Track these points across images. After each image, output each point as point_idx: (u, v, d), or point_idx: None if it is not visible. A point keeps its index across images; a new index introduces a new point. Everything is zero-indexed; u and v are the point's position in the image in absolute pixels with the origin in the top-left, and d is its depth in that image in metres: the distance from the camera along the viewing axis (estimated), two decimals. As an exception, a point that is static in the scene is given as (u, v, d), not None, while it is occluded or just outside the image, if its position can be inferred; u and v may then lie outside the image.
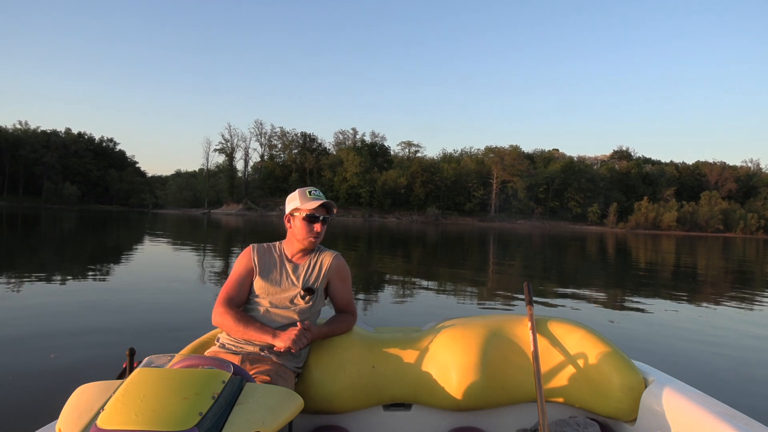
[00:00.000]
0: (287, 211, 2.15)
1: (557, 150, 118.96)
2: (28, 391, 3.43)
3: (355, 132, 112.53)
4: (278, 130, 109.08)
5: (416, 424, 2.16)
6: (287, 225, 2.14)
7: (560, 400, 2.11)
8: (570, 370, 2.07)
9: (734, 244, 46.32)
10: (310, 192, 2.10)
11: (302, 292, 2.05)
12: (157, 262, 11.80)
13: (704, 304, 8.67)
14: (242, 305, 2.08)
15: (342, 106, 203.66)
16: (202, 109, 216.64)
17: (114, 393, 1.31)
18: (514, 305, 7.66)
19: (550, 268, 14.86)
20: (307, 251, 2.15)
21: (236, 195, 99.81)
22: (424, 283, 9.99)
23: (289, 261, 2.13)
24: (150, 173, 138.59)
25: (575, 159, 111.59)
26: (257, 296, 2.07)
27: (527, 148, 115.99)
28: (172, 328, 5.37)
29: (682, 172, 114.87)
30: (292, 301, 2.05)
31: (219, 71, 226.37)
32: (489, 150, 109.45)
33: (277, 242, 2.21)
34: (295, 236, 2.11)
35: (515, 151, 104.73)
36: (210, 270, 10.66)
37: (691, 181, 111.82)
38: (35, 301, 6.46)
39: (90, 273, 9.21)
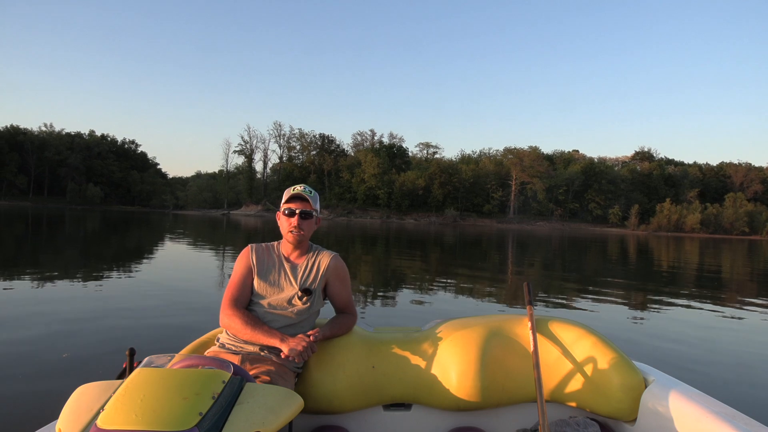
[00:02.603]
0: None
1: (577, 151, 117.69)
2: (28, 391, 3.42)
3: (374, 133, 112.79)
4: (297, 131, 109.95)
5: (416, 424, 2.16)
6: (279, 224, 2.16)
7: (560, 400, 2.10)
8: (570, 370, 2.07)
9: (760, 247, 45.25)
10: (293, 189, 2.11)
11: (300, 293, 2.05)
12: (166, 263, 11.86)
13: (709, 305, 8.59)
14: (247, 305, 2.08)
15: (360, 108, 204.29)
16: (222, 111, 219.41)
17: (114, 393, 1.30)
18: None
19: (569, 270, 14.65)
20: (302, 250, 2.16)
21: (255, 196, 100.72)
22: (439, 285, 9.90)
23: (287, 261, 2.13)
24: (171, 174, 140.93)
25: (596, 160, 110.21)
26: (256, 296, 2.06)
27: (547, 149, 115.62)
28: (172, 328, 5.36)
29: (706, 173, 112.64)
30: (290, 302, 2.04)
31: (239, 73, 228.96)
32: (508, 151, 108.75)
33: (275, 242, 2.21)
34: (282, 233, 2.13)
35: (534, 152, 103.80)
36: (216, 270, 10.70)
37: (715, 183, 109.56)
38: (36, 300, 6.51)
39: (96, 273, 9.28)
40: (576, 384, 2.05)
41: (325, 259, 2.15)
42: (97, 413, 1.32)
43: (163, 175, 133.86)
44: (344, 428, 2.09)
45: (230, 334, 2.00)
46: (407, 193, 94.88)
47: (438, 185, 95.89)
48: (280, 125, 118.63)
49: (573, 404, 2.10)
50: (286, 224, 2.09)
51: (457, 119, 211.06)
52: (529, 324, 2.06)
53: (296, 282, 2.08)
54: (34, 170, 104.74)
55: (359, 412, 2.13)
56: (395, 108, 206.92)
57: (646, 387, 1.94)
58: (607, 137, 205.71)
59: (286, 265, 2.12)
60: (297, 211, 2.07)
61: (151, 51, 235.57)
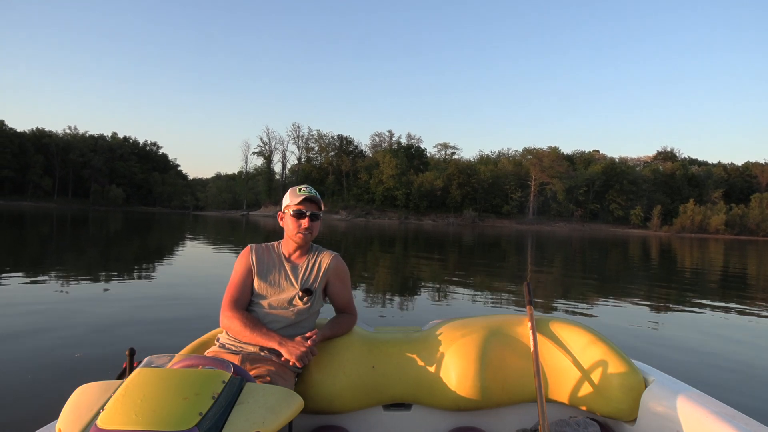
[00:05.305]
0: (281, 209, 2.17)
1: (598, 151, 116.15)
2: (28, 390, 3.42)
3: (392, 134, 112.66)
4: (315, 132, 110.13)
5: (416, 424, 2.16)
6: (281, 223, 2.16)
7: (560, 400, 2.10)
8: (570, 370, 2.07)
9: (787, 248, 44.06)
10: (300, 189, 2.10)
11: (301, 293, 2.04)
12: (176, 263, 11.87)
13: (713, 306, 8.49)
14: (247, 306, 2.07)
15: (378, 109, 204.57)
16: (242, 113, 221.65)
17: (114, 393, 1.30)
18: (554, 312, 7.39)
19: (588, 271, 14.42)
20: (303, 250, 2.15)
21: (274, 197, 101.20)
22: (452, 287, 9.79)
23: (288, 261, 2.13)
24: (191, 176, 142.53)
25: (617, 160, 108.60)
26: (256, 297, 2.05)
27: (566, 149, 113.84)
28: (172, 328, 5.35)
29: (731, 173, 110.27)
30: (290, 302, 2.04)
31: (258, 75, 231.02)
32: (527, 151, 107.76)
33: (275, 242, 2.20)
34: (288, 233, 2.12)
35: (554, 152, 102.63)
36: (225, 270, 10.62)
37: (740, 183, 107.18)
38: (38, 299, 6.51)
39: (103, 273, 9.32)
40: (576, 384, 2.05)
41: (325, 258, 2.14)
42: (97, 413, 1.31)
43: (184, 177, 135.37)
44: (344, 428, 2.09)
45: (230, 334, 1.99)
46: (425, 194, 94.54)
47: (456, 186, 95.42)
48: (298, 126, 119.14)
49: (573, 404, 2.09)
50: (294, 225, 2.07)
51: (475, 120, 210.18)
52: (529, 324, 2.05)
53: (297, 282, 2.07)
54: (58, 172, 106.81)
55: (359, 412, 2.12)
56: (413, 109, 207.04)
57: (646, 387, 1.94)
58: (628, 137, 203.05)
59: (287, 265, 2.10)
60: (308, 213, 2.06)
61: (171, 54, 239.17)
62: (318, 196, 2.12)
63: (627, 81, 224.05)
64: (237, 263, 2.11)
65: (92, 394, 1.41)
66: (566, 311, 7.36)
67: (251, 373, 1.77)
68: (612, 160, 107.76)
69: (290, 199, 2.09)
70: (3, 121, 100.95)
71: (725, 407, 1.67)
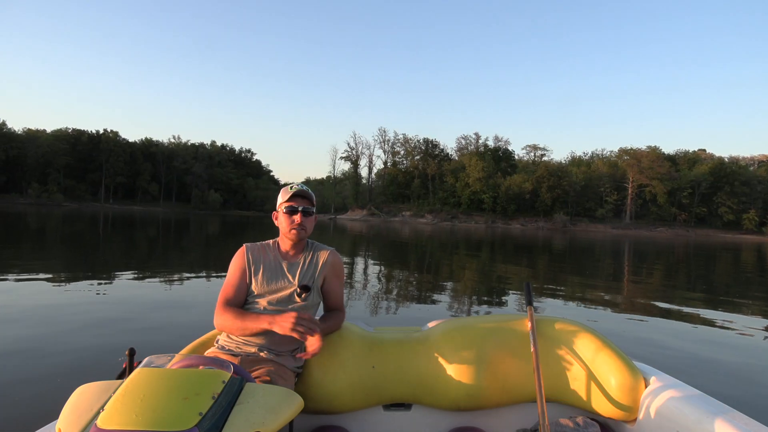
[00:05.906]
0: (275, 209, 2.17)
1: (704, 150, 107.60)
2: (28, 390, 3.40)
3: (478, 137, 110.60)
4: (401, 136, 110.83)
5: (416, 424, 2.17)
6: (276, 223, 2.15)
7: (560, 400, 2.11)
8: (570, 370, 2.08)
9: None
10: (291, 187, 2.11)
11: (298, 290, 2.05)
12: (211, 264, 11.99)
13: (718, 307, 8.33)
14: (243, 306, 2.05)
15: (465, 111, 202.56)
16: (330, 119, 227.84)
17: (114, 393, 1.30)
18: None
19: (694, 282, 13.05)
20: (299, 247, 2.14)
21: (360, 201, 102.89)
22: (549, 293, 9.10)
23: (284, 259, 2.12)
24: (282, 181, 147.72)
25: (726, 160, 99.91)
26: (254, 296, 2.05)
27: (668, 148, 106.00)
28: (172, 328, 5.31)
29: None
30: (288, 300, 2.05)
31: (344, 82, 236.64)
32: (623, 152, 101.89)
33: (271, 240, 2.19)
34: (282, 231, 2.11)
35: (654, 152, 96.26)
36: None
37: None
38: (40, 298, 6.55)
39: (117, 273, 9.42)
40: (576, 384, 2.06)
41: (323, 254, 2.14)
42: (97, 413, 1.31)
43: (276, 182, 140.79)
44: (344, 428, 2.09)
45: (229, 335, 1.98)
46: (513, 197, 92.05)
47: (546, 189, 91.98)
48: (384, 131, 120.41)
49: (573, 404, 2.09)
50: (287, 222, 2.05)
51: (565, 120, 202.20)
52: (529, 324, 2.05)
53: (294, 279, 2.06)
54: (164, 178, 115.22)
55: (359, 412, 2.13)
56: (501, 111, 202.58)
57: (646, 387, 1.94)
58: (739, 134, 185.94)
59: (284, 263, 2.09)
60: (300, 209, 2.05)
61: (265, 65, 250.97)
62: (310, 192, 2.09)
63: (737, 73, 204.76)
64: (232, 263, 2.08)
65: (92, 394, 1.41)
66: (553, 310, 6.63)
67: (251, 373, 1.76)
68: (721, 159, 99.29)
69: (282, 197, 2.08)
70: (117, 132, 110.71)
71: (725, 407, 1.67)
